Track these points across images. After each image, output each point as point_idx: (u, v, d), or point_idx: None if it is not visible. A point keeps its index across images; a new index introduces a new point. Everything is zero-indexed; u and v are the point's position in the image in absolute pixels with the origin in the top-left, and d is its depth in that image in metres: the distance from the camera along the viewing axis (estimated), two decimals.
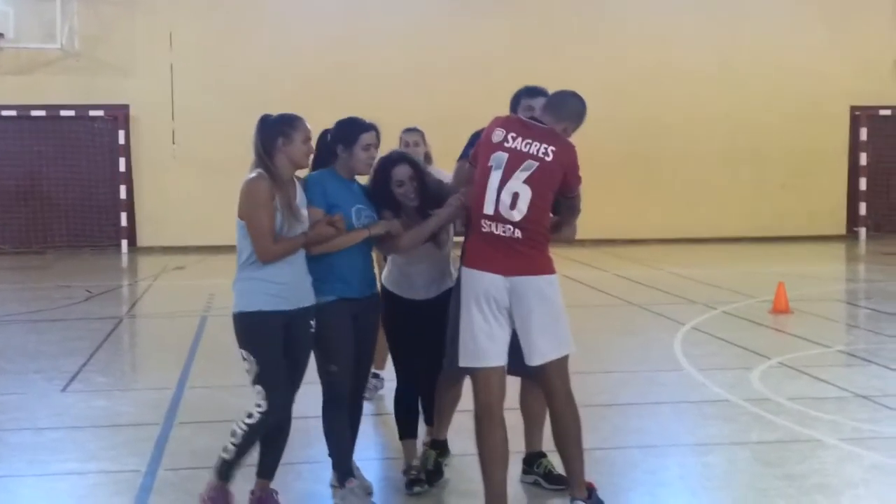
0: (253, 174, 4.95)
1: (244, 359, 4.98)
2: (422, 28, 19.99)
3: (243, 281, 4.99)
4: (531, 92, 5.65)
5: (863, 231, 21.29)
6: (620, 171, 19.43)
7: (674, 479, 6.00)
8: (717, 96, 20.71)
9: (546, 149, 4.94)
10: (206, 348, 10.01)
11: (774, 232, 20.89)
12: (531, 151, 4.94)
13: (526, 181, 4.90)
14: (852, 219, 21.60)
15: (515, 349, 5.06)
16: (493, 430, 4.97)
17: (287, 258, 4.96)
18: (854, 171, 21.48)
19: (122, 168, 19.30)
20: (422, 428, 6.03)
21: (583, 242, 16.00)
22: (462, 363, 5.02)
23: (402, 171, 5.45)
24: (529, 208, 4.90)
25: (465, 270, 5.07)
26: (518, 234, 4.92)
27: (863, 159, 21.28)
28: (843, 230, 21.60)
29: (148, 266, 17.53)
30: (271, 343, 4.96)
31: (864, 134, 21.24)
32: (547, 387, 5.11)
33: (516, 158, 4.94)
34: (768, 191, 21.12)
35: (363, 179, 5.55)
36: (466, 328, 5.00)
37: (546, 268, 5.01)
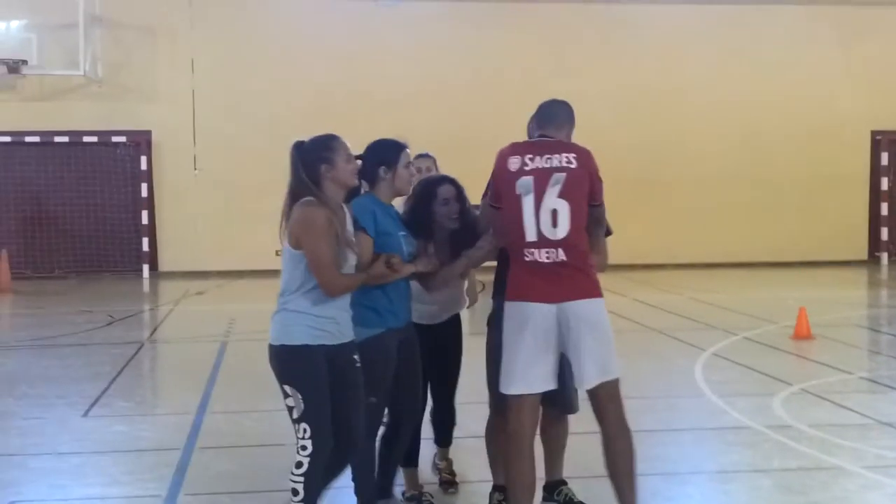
0: (305, 200, 4.70)
1: (287, 395, 4.70)
2: (434, 48, 20.11)
3: (287, 312, 4.73)
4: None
5: (884, 256, 21.19)
6: (636, 194, 19.36)
7: None
8: (735, 119, 20.70)
9: (568, 157, 4.91)
10: (226, 373, 10.04)
11: (795, 257, 20.81)
12: (554, 165, 4.90)
13: (560, 195, 4.85)
14: (874, 243, 21.50)
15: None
16: (521, 458, 4.93)
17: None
18: (875, 196, 21.41)
19: (143, 193, 19.44)
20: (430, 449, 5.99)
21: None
22: (501, 389, 4.99)
23: (447, 190, 5.45)
24: (571, 222, 4.84)
25: (510, 304, 4.98)
26: (563, 255, 4.85)
27: (884, 184, 21.22)
28: (864, 255, 21.50)
29: (169, 291, 17.61)
30: (317, 378, 4.69)
31: (885, 158, 21.18)
32: (599, 413, 5.01)
33: (543, 176, 4.88)
34: (789, 215, 21.05)
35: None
36: (510, 355, 4.94)
37: (593, 291, 4.93)
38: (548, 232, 4.85)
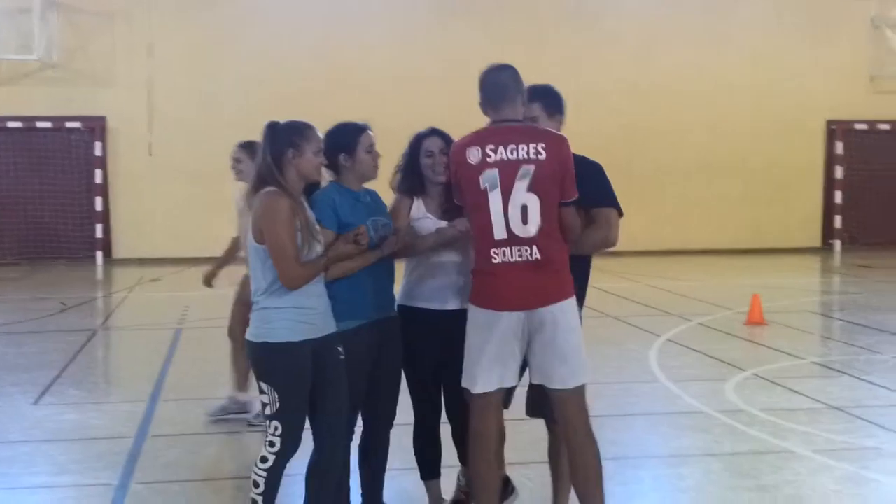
0: (267, 190, 4.48)
1: (262, 391, 4.52)
2: (405, 35, 20.07)
3: (267, 309, 4.50)
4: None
5: (838, 243, 21.43)
6: None
7: (647, 491, 6.01)
8: (696, 109, 20.84)
9: (536, 147, 4.49)
10: (179, 361, 9.96)
11: (750, 244, 21.01)
12: (521, 156, 4.49)
13: (529, 189, 4.47)
14: (827, 231, 21.75)
15: (538, 389, 4.88)
16: (485, 460, 4.71)
17: (313, 282, 4.53)
18: (830, 185, 21.65)
19: (98, 180, 19.22)
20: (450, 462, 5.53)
21: None
22: (465, 385, 4.72)
23: (432, 143, 5.10)
24: (542, 218, 4.48)
25: (474, 309, 4.65)
26: (536, 253, 4.49)
27: (838, 172, 21.44)
28: (818, 242, 21.74)
29: (123, 278, 17.44)
30: (298, 376, 4.50)
31: (839, 148, 21.41)
32: (564, 418, 4.69)
33: (508, 169, 4.49)
34: (745, 203, 21.24)
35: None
36: (473, 357, 4.66)
37: (564, 291, 4.58)
38: (518, 229, 4.49)
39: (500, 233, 4.50)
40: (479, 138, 4.61)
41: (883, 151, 21.59)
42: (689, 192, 21.00)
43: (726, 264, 19.12)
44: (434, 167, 5.08)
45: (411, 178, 5.15)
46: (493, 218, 4.50)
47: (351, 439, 4.88)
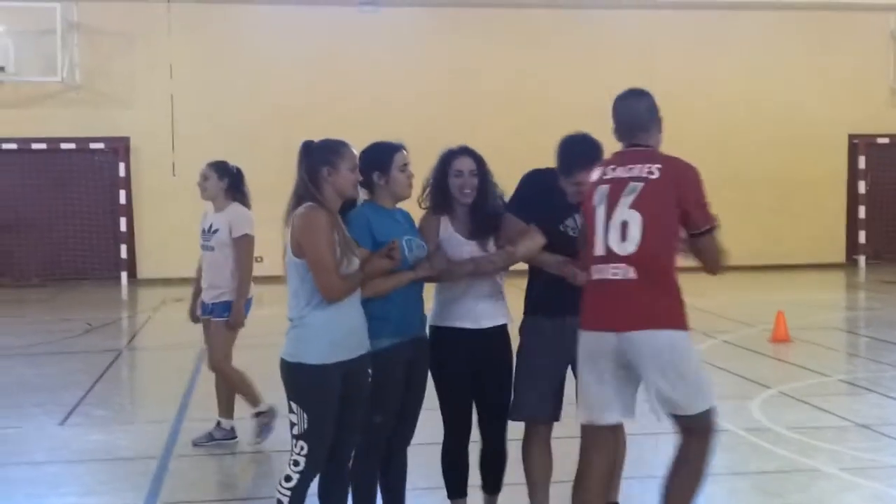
0: (305, 205, 4.52)
1: (292, 410, 4.53)
2: (413, 54, 20.11)
3: (305, 327, 4.50)
4: (582, 162, 4.97)
5: (862, 259, 21.29)
6: None
7: None
8: (715, 122, 20.75)
9: (651, 167, 4.43)
10: (204, 381, 9.93)
11: (774, 260, 20.89)
12: (633, 175, 4.43)
13: (633, 206, 4.35)
14: (851, 247, 21.61)
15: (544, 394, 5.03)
16: (589, 490, 4.64)
17: (351, 300, 4.54)
18: (853, 199, 21.52)
19: (122, 200, 19.34)
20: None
21: None
22: (578, 418, 4.66)
23: (463, 163, 5.07)
24: (643, 236, 4.33)
25: (581, 332, 4.57)
26: (632, 273, 4.35)
27: (861, 187, 21.31)
28: (842, 258, 21.61)
29: (148, 298, 17.52)
30: (328, 399, 4.50)
31: (862, 162, 21.29)
32: (681, 440, 4.66)
33: (618, 185, 4.43)
34: (768, 219, 21.13)
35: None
36: (580, 383, 4.63)
37: (669, 319, 4.39)
38: (616, 246, 4.39)
39: (599, 249, 4.45)
40: (609, 159, 4.64)
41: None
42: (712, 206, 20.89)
43: (749, 280, 19.01)
44: (462, 188, 5.07)
45: (439, 196, 5.13)
46: (596, 233, 4.46)
47: (376, 458, 4.88)
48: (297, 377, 4.52)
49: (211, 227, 7.32)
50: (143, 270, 19.67)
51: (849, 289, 18.98)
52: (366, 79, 19.84)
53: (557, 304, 5.06)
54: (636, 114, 4.65)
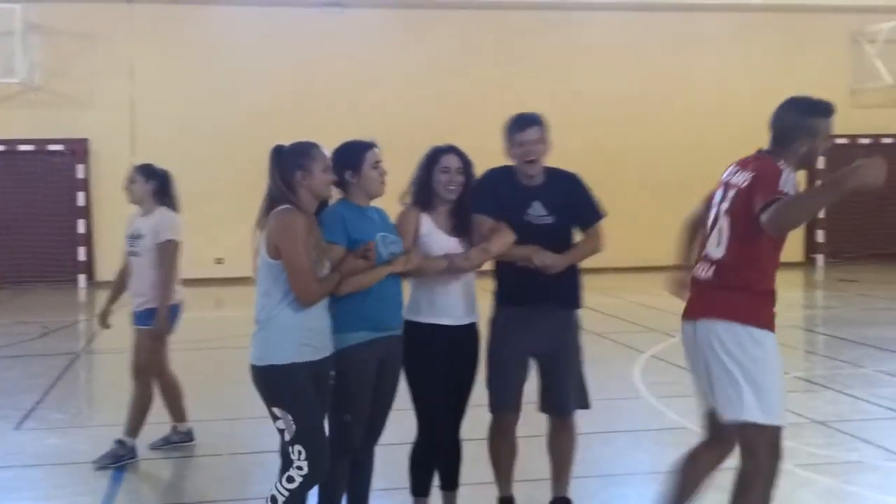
0: (283, 207, 4.54)
1: (276, 417, 4.49)
2: (380, 55, 20.09)
3: (273, 329, 4.51)
4: (519, 125, 5.35)
5: (820, 258, 21.52)
6: None
7: None
8: (688, 123, 20.89)
9: (748, 176, 4.49)
10: None
11: None
12: (735, 181, 4.57)
13: (726, 212, 4.55)
14: (810, 246, 21.83)
15: (546, 388, 5.31)
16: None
17: (321, 302, 4.57)
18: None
19: (80, 202, 19.18)
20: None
21: None
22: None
23: (450, 160, 5.16)
24: (728, 244, 4.49)
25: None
26: (711, 272, 4.55)
27: None
28: (801, 257, 21.82)
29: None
30: (307, 396, 4.49)
31: (821, 162, 21.38)
32: (740, 454, 4.69)
33: (724, 191, 4.64)
34: None
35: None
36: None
37: (732, 312, 4.44)
38: (711, 249, 4.59)
39: (702, 248, 4.69)
40: (738, 161, 4.77)
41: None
42: (665, 207, 20.92)
43: None
44: (448, 184, 5.14)
45: (423, 192, 5.18)
46: (706, 233, 4.68)
47: (345, 459, 4.86)
48: (271, 380, 4.51)
49: (136, 232, 7.14)
50: (102, 273, 19.47)
51: (807, 287, 19.17)
52: (332, 81, 19.80)
53: (525, 294, 5.27)
54: (779, 124, 4.76)
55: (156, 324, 7.00)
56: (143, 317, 7.06)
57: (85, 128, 19.33)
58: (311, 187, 4.61)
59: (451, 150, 5.23)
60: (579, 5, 20.81)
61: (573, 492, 6.12)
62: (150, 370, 7.19)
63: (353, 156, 4.90)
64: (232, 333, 13.20)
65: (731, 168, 4.73)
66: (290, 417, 4.45)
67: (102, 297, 17.75)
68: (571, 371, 5.51)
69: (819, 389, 9.09)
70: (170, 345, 7.34)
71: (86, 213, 19.27)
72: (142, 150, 19.35)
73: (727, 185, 4.62)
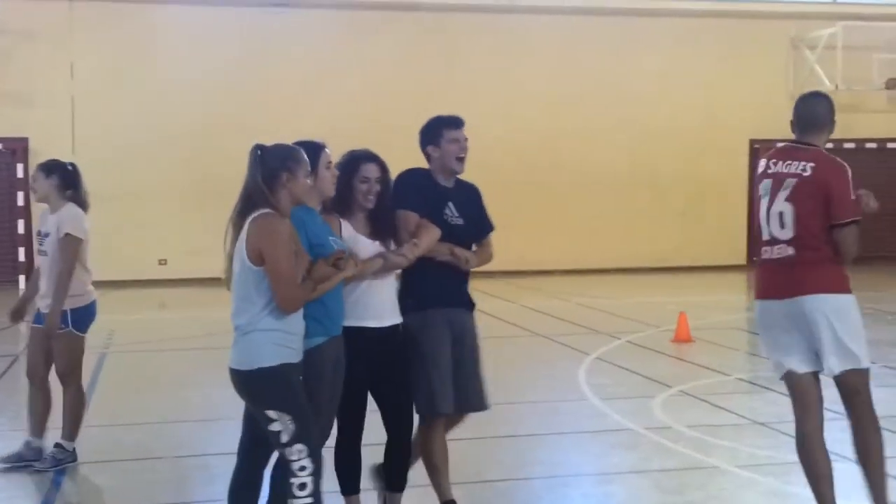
0: (264, 212, 4.44)
1: (271, 419, 4.42)
2: (324, 55, 19.99)
3: (258, 332, 4.43)
4: (455, 123, 5.53)
5: None
6: (523, 200, 19.46)
7: None
8: (618, 126, 21.01)
9: (805, 165, 5.12)
10: (104, 386, 9.79)
11: (676, 262, 21.27)
12: (790, 171, 5.14)
13: (787, 199, 5.10)
14: (752, 248, 22.08)
15: (461, 387, 5.30)
16: (814, 449, 5.20)
17: None
18: (754, 202, 21.94)
19: (20, 202, 18.86)
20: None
21: (491, 274, 16.11)
22: (779, 374, 5.28)
23: (370, 169, 5.13)
24: (795, 224, 5.07)
25: (757, 302, 5.32)
26: (791, 251, 5.10)
27: None
28: (744, 260, 22.08)
29: None
30: (300, 394, 4.48)
31: (762, 166, 21.72)
32: (846, 402, 5.18)
33: (778, 180, 5.17)
34: (669, 221, 21.50)
35: None
36: (768, 349, 5.32)
37: (828, 284, 5.07)
38: (776, 232, 5.15)
39: (765, 234, 5.22)
40: (772, 153, 5.33)
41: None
42: (611, 210, 21.16)
43: (653, 282, 19.35)
44: (367, 194, 5.14)
45: (342, 198, 5.12)
46: (761, 221, 5.24)
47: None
48: (262, 382, 4.44)
49: (43, 230, 6.88)
50: None
51: (749, 290, 19.38)
52: (276, 81, 19.67)
53: (445, 295, 5.41)
54: (815, 114, 5.31)
55: (47, 324, 6.72)
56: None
57: (24, 126, 18.99)
58: (294, 191, 4.53)
59: (371, 158, 5.20)
60: (524, 8, 20.89)
61: (519, 493, 6.15)
62: (75, 370, 6.93)
63: (308, 156, 4.77)
64: (174, 335, 13.07)
65: (769, 161, 5.28)
66: (287, 417, 4.41)
67: None
68: (478, 370, 5.56)
69: (761, 391, 9.19)
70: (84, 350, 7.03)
71: (25, 213, 18.94)
72: (82, 148, 19.10)
73: (777, 176, 5.17)
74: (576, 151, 20.94)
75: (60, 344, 6.84)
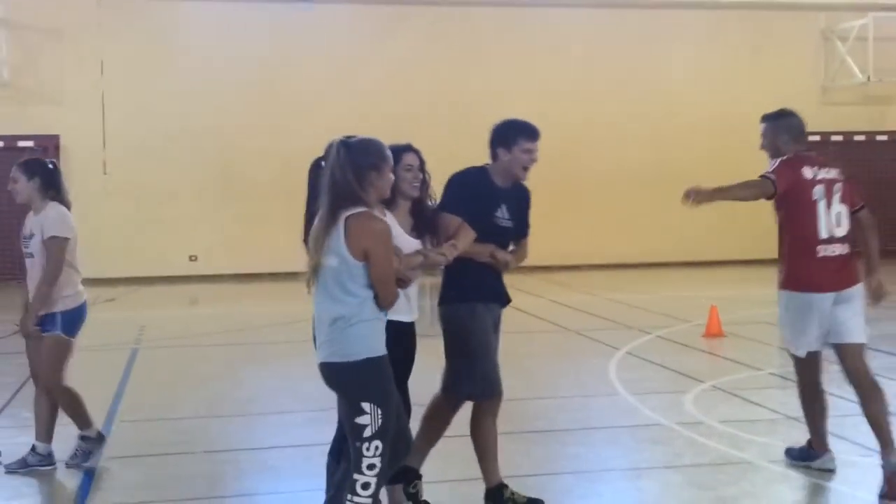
0: (362, 210, 4.45)
1: (363, 412, 4.42)
2: (348, 50, 20.02)
3: (365, 323, 4.45)
4: (533, 134, 5.63)
5: None
6: (553, 197, 19.31)
7: None
8: (646, 121, 20.91)
9: (837, 171, 6.14)
10: (136, 382, 9.85)
11: (707, 256, 21.13)
12: (833, 177, 6.09)
13: (841, 201, 6.04)
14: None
15: (475, 375, 5.44)
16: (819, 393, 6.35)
17: None
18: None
19: None
20: None
21: (520, 268, 16.09)
22: (798, 352, 6.20)
23: (412, 158, 5.32)
24: (849, 223, 6.06)
25: (794, 294, 6.12)
26: (847, 248, 6.03)
27: None
28: (774, 254, 21.82)
29: None
30: (393, 390, 4.55)
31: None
32: (849, 374, 6.10)
33: (830, 185, 6.05)
34: (699, 215, 21.26)
35: None
36: (796, 331, 6.14)
37: (860, 277, 6.11)
38: (836, 231, 5.99)
39: (823, 233, 5.98)
40: (810, 159, 6.17)
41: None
42: (640, 204, 21.04)
43: (684, 276, 19.25)
44: (413, 181, 5.30)
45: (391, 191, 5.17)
46: (818, 222, 5.99)
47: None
48: (370, 373, 4.45)
49: (28, 231, 6.79)
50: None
51: None
52: (302, 76, 19.73)
53: (486, 290, 5.61)
54: (802, 128, 6.42)
55: (22, 325, 6.64)
56: (44, 322, 6.69)
57: (55, 124, 19.15)
58: (381, 189, 4.58)
59: (411, 148, 5.36)
60: (547, 2, 20.82)
61: (550, 488, 6.13)
62: (56, 374, 6.74)
63: (396, 157, 4.92)
64: (205, 331, 13.13)
65: (811, 167, 6.08)
66: (378, 412, 4.42)
67: None
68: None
69: (793, 386, 9.03)
70: (74, 353, 6.98)
71: None
72: (113, 145, 19.27)
73: (827, 181, 6.04)
74: (603, 146, 20.85)
75: (46, 347, 6.69)
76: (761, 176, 6.19)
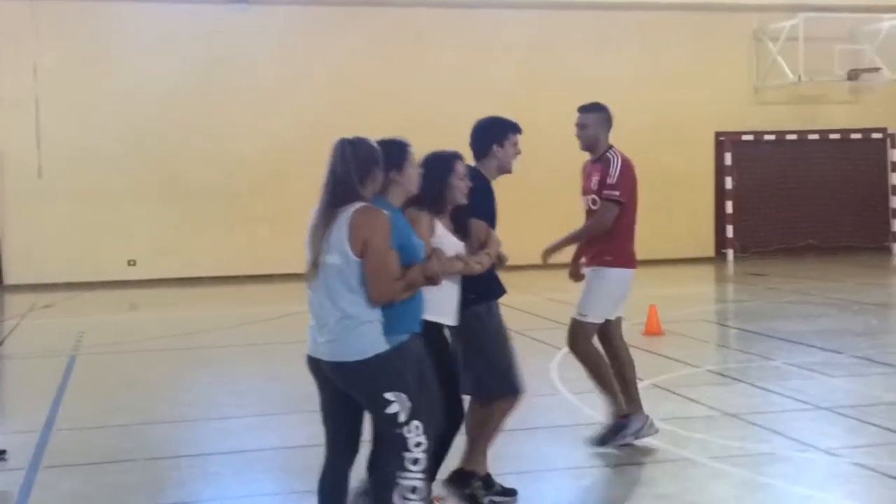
0: (364, 204, 4.49)
1: (389, 402, 4.46)
2: (286, 47, 19.97)
3: (368, 324, 4.48)
4: (519, 128, 6.01)
5: (730, 253, 21.93)
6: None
7: None
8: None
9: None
10: (75, 389, 9.72)
11: (645, 255, 21.18)
12: None
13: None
14: (720, 241, 22.24)
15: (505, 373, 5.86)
16: None
17: None
18: (720, 195, 22.14)
19: None
20: None
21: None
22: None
23: (462, 166, 5.39)
24: None
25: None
26: None
27: (728, 183, 21.94)
28: (711, 252, 22.22)
29: (15, 305, 16.95)
30: (410, 372, 4.59)
31: (728, 159, 21.92)
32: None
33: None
34: (640, 215, 21.49)
35: None
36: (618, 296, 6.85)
37: None
38: None
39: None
40: (627, 159, 6.63)
41: (768, 161, 22.14)
42: (579, 203, 21.16)
43: None
44: (465, 190, 5.39)
45: (440, 197, 5.30)
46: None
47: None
48: (379, 368, 4.47)
49: None
50: (10, 276, 19.02)
51: (718, 282, 19.53)
52: (243, 79, 19.58)
53: (496, 288, 5.90)
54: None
55: None
56: None
57: None
58: (406, 185, 4.79)
59: (461, 157, 5.44)
60: (492, 3, 20.91)
61: None
62: None
63: (398, 154, 4.83)
64: (145, 336, 12.99)
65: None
66: (404, 396, 4.48)
67: (11, 300, 17.42)
68: None
69: (731, 382, 9.26)
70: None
71: None
72: (48, 149, 18.99)
73: None
74: (544, 146, 20.89)
75: None
76: (610, 200, 6.66)
